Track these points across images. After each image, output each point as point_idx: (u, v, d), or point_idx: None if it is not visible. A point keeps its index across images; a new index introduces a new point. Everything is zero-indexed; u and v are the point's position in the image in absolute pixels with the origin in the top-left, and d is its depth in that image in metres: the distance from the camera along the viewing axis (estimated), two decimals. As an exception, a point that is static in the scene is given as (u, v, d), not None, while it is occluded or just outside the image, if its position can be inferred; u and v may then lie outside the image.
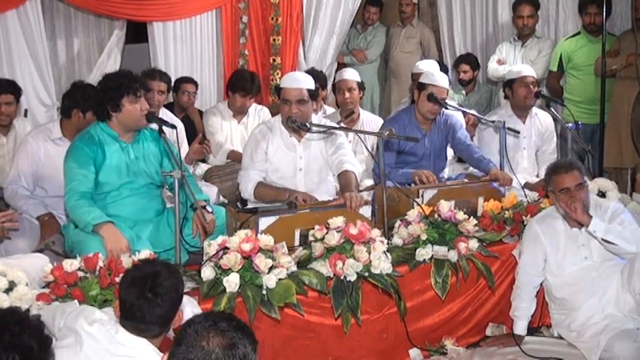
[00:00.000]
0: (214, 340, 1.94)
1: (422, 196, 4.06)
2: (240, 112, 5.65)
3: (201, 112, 6.00)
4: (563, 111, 5.89)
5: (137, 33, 6.59)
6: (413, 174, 4.43)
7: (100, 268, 3.05)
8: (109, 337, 2.50)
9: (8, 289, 2.86)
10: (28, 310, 2.85)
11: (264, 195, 4.19)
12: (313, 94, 4.24)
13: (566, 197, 3.65)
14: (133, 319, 2.49)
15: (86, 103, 4.16)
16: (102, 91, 3.66)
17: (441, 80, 4.65)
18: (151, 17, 6.26)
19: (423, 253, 3.72)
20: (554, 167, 3.78)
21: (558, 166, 3.77)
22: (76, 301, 2.86)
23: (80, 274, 3.03)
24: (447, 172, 5.09)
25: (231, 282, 3.18)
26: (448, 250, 3.75)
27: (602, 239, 3.59)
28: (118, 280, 2.98)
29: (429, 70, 4.85)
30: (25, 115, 5.73)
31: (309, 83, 4.21)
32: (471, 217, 3.87)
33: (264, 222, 3.56)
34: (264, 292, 3.23)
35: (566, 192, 3.65)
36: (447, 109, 4.88)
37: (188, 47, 6.43)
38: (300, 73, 4.42)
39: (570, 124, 5.12)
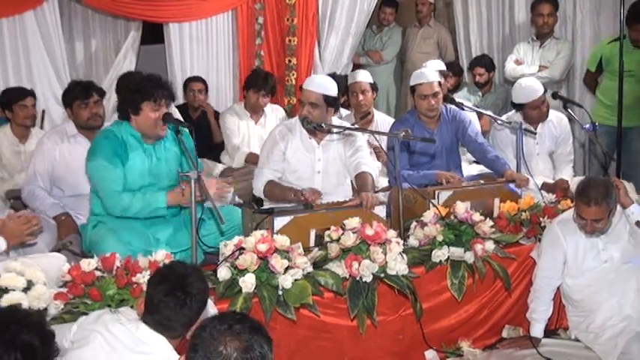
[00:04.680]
0: (232, 344, 1.94)
1: (437, 197, 4.04)
2: (254, 111, 5.67)
3: (217, 114, 6.02)
4: (593, 110, 5.80)
5: (153, 34, 6.62)
6: (439, 175, 4.42)
7: (117, 267, 3.07)
8: (129, 335, 2.52)
9: (26, 289, 2.88)
10: (43, 309, 2.88)
11: (272, 194, 4.20)
12: (331, 102, 4.19)
13: (583, 223, 3.63)
14: (157, 315, 2.51)
15: (69, 97, 4.31)
16: (123, 90, 3.67)
17: (425, 75, 4.58)
18: (167, 18, 6.29)
19: (439, 255, 3.71)
20: (584, 190, 3.58)
21: (587, 194, 3.55)
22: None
23: (97, 273, 3.05)
24: (466, 170, 5.05)
25: (247, 282, 3.19)
26: (464, 251, 3.74)
27: (637, 222, 3.60)
28: (134, 279, 3.01)
29: (417, 70, 4.82)
30: (43, 116, 5.78)
31: (326, 89, 4.18)
32: (487, 219, 3.86)
33: (280, 222, 3.57)
34: (280, 292, 3.24)
35: (583, 220, 3.63)
36: (462, 109, 4.87)
37: (204, 48, 6.46)
38: (322, 77, 4.38)
39: (587, 125, 5.08)
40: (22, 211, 3.50)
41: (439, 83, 4.62)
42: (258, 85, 5.58)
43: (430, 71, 4.68)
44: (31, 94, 5.11)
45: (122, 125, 3.72)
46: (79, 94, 4.27)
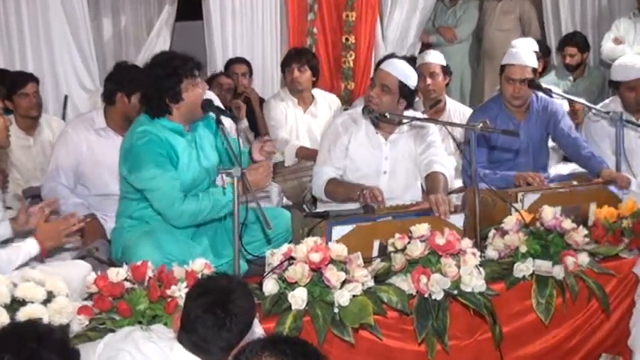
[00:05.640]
0: None
1: (522, 201, 3.99)
2: (298, 93, 5.66)
3: (263, 100, 6.03)
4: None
5: (190, 9, 6.68)
6: (517, 177, 4.36)
7: (150, 278, 3.07)
8: (162, 356, 2.54)
9: (46, 301, 2.90)
10: (65, 325, 2.91)
11: (335, 193, 4.21)
12: (406, 92, 4.15)
13: None
14: (193, 334, 2.51)
15: (131, 85, 4.23)
16: (155, 82, 3.64)
17: (519, 56, 4.58)
18: (206, -10, 6.34)
19: (523, 269, 3.65)
20: None
21: None
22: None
23: (127, 285, 3.06)
24: (552, 170, 4.98)
25: (298, 298, 3.17)
26: (553, 265, 3.68)
27: None
28: (169, 292, 3.02)
29: (514, 48, 4.77)
30: (65, 103, 5.86)
31: (406, 76, 4.14)
32: (581, 227, 3.79)
33: (338, 231, 3.54)
34: (335, 310, 3.22)
35: None
36: (551, 97, 4.80)
37: (248, 25, 6.51)
38: (405, 63, 4.30)
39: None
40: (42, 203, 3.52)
41: (533, 70, 4.58)
42: (287, 60, 5.64)
43: (527, 53, 4.67)
44: (32, 78, 5.07)
45: (154, 123, 3.68)
46: None
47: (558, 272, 3.67)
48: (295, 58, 5.60)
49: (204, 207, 3.59)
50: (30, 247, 3.24)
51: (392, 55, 4.44)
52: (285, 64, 5.67)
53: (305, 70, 5.60)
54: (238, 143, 3.77)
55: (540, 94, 4.75)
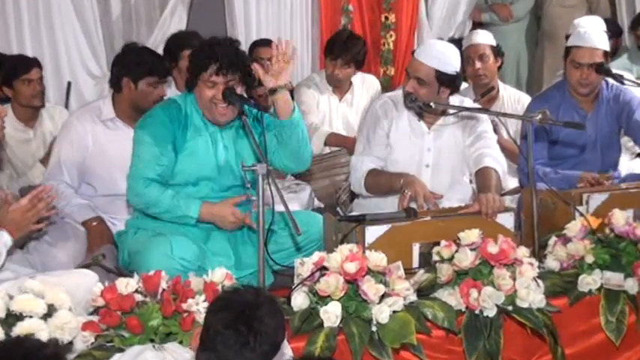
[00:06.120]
0: None
1: (587, 203, 3.97)
2: (336, 84, 5.67)
3: (292, 90, 6.03)
4: None
5: (209, -17, 6.72)
6: (582, 178, 4.34)
7: (163, 290, 3.09)
8: None
9: (47, 315, 2.92)
10: (67, 343, 2.93)
11: (376, 185, 4.22)
12: (446, 81, 4.11)
13: None
14: (212, 352, 2.52)
15: (138, 69, 4.27)
16: (191, 60, 3.77)
17: (589, 38, 4.56)
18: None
19: (589, 282, 3.64)
20: None
21: None
22: None
23: (138, 297, 3.07)
24: (623, 169, 4.95)
25: (331, 314, 3.18)
26: (625, 277, 3.66)
27: None
28: (185, 306, 3.03)
29: (582, 28, 4.73)
30: (68, 91, 5.90)
31: (443, 63, 4.11)
32: (657, 233, 3.77)
33: (372, 233, 3.56)
34: (373, 328, 3.22)
35: None
36: (622, 84, 4.76)
37: (275, 1, 6.50)
38: (442, 45, 4.31)
39: None
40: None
41: (605, 53, 4.56)
42: (334, 51, 5.57)
43: (598, 34, 4.64)
44: (37, 63, 5.13)
45: (188, 97, 3.79)
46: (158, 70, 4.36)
47: (631, 286, 3.66)
48: (343, 52, 5.52)
49: (161, 204, 3.68)
50: (5, 239, 3.27)
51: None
52: (329, 53, 5.60)
53: (347, 66, 5.58)
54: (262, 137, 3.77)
55: (611, 80, 4.71)
